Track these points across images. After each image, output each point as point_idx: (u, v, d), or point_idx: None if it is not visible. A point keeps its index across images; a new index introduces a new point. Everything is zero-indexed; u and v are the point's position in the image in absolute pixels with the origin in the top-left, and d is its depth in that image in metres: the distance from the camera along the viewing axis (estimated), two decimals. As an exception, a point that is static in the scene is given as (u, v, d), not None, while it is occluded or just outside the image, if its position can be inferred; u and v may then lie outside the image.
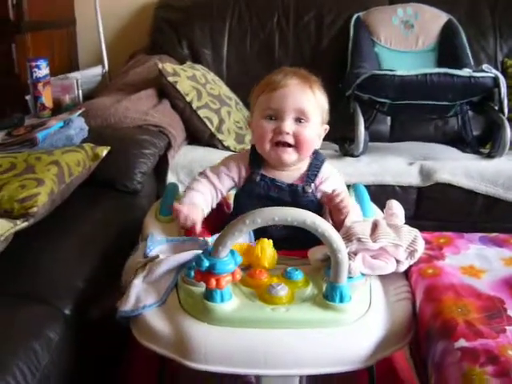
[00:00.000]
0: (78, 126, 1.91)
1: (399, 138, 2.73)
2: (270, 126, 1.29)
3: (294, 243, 1.22)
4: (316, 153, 1.39)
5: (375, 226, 1.20)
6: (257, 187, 1.33)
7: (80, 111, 2.03)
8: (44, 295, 1.24)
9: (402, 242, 1.18)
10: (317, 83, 1.34)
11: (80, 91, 2.69)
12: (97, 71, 3.04)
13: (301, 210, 1.02)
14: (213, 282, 1.01)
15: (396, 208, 1.34)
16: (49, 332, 1.14)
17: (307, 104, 1.29)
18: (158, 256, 1.19)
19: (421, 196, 2.26)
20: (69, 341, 1.19)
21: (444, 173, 2.22)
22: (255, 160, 1.36)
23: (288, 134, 1.28)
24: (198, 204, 1.30)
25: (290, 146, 1.30)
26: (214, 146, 2.41)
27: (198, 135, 2.43)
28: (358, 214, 1.35)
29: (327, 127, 1.39)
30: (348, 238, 1.14)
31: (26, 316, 1.16)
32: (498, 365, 0.93)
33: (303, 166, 1.36)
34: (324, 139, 2.53)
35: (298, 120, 1.29)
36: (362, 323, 1.07)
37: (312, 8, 2.94)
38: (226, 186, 1.37)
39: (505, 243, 1.41)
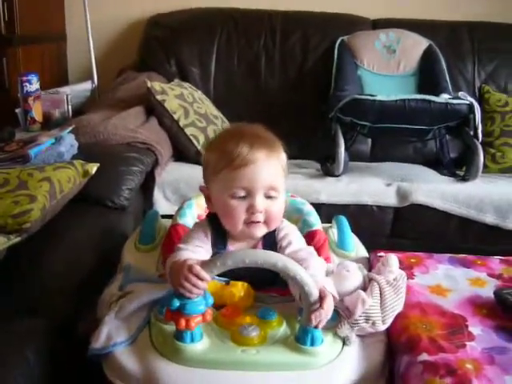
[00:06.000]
0: (69, 142, 1.95)
1: (379, 158, 2.83)
2: (243, 206, 1.16)
3: (276, 281, 1.19)
4: None
5: (381, 295, 1.18)
6: None
7: (70, 128, 2.07)
8: (34, 307, 1.28)
9: (402, 302, 1.21)
10: (280, 146, 1.22)
11: (70, 106, 2.74)
12: (86, 86, 3.09)
13: (272, 252, 1.04)
14: (182, 322, 1.01)
15: (393, 265, 1.29)
16: (40, 342, 1.18)
17: (278, 178, 1.19)
18: (132, 291, 1.20)
19: (397, 216, 2.34)
20: (59, 350, 1.23)
21: (420, 194, 2.31)
22: (218, 235, 1.23)
23: (261, 212, 1.17)
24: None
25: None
26: (200, 164, 2.43)
27: (185, 152, 2.49)
28: (322, 266, 1.23)
29: None
30: (366, 318, 1.13)
31: (17, 326, 1.20)
32: (456, 377, 1.01)
33: None
34: (307, 158, 2.63)
35: (269, 196, 1.17)
36: (333, 366, 1.07)
37: (298, 30, 3.03)
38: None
39: (472, 264, 1.50)
